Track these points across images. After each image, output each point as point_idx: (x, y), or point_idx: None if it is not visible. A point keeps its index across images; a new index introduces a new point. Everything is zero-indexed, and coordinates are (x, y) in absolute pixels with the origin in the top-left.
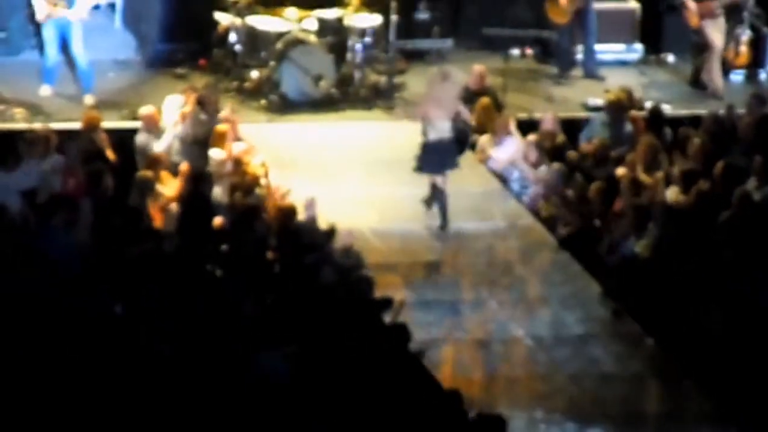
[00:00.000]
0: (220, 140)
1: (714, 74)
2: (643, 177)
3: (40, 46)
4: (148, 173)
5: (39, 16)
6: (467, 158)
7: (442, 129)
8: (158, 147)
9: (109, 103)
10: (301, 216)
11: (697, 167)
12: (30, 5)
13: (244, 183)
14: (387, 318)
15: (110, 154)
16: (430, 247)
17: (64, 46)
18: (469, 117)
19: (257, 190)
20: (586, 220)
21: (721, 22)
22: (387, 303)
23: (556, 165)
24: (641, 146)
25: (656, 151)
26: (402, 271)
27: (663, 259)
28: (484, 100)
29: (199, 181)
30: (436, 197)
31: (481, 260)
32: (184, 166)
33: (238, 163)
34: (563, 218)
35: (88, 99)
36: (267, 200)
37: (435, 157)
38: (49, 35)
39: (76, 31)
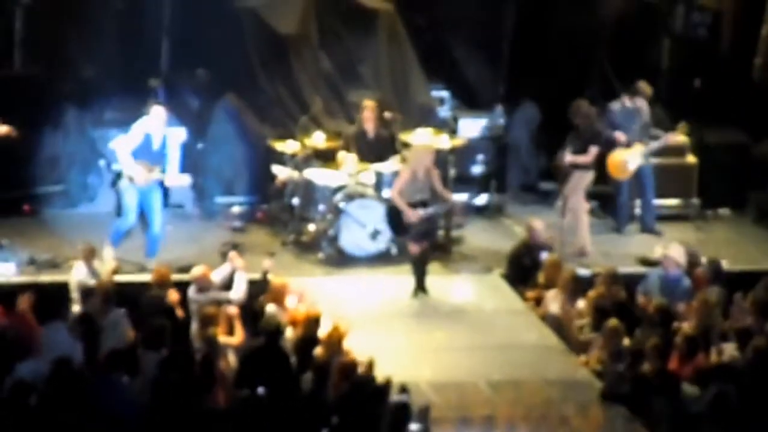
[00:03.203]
0: (277, 295)
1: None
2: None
3: (118, 210)
4: (211, 331)
5: (138, 180)
6: (525, 311)
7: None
8: (234, 295)
9: (167, 255)
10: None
11: (753, 324)
12: (112, 168)
13: (329, 342)
14: None
15: (180, 312)
16: (486, 400)
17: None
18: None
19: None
20: (642, 376)
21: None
22: None
23: (613, 321)
24: (696, 302)
25: (710, 308)
26: (458, 425)
27: (722, 416)
28: (553, 257)
29: (276, 333)
30: (418, 265)
31: (536, 414)
32: (233, 311)
33: (316, 321)
34: (620, 374)
35: (150, 264)
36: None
37: (427, 228)
38: (132, 201)
39: (158, 196)
